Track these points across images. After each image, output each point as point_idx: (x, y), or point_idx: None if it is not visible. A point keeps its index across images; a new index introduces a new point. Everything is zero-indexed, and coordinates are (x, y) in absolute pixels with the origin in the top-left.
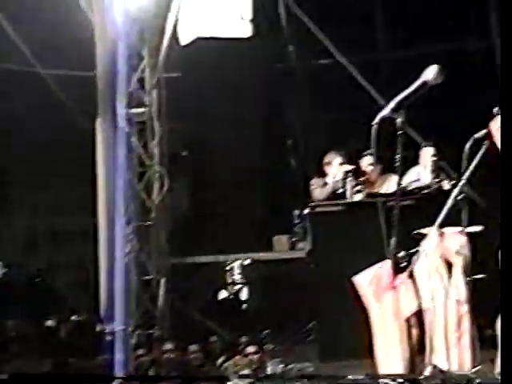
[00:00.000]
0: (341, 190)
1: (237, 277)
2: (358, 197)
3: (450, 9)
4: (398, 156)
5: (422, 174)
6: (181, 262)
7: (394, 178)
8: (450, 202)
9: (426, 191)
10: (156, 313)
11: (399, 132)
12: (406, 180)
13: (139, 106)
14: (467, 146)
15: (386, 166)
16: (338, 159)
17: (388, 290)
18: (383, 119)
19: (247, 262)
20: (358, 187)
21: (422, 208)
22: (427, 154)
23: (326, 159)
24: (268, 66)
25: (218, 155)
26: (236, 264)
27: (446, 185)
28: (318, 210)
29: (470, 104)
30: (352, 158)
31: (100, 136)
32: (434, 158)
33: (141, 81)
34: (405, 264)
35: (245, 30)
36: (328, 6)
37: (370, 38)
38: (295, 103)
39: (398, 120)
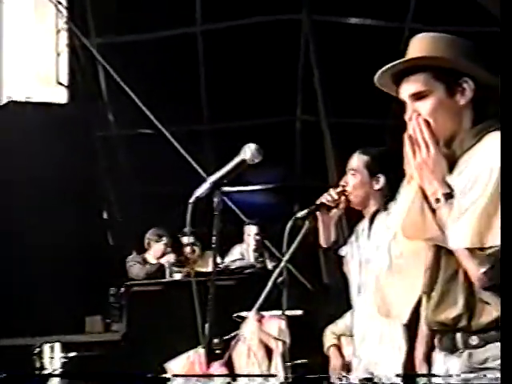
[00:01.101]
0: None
1: (46, 362)
2: (177, 276)
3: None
4: (214, 237)
5: (245, 252)
6: None
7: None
8: (270, 284)
9: (248, 271)
10: None
11: (215, 212)
12: (228, 259)
13: None
14: (288, 225)
15: (208, 244)
16: (157, 235)
17: (200, 379)
18: (199, 198)
19: (57, 344)
20: (178, 266)
21: (243, 289)
22: (251, 232)
23: (146, 235)
24: (86, 134)
25: (25, 229)
26: (45, 347)
27: (269, 265)
28: (134, 289)
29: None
30: (174, 234)
31: None
32: (258, 237)
33: None
34: (221, 350)
35: (61, 96)
36: (151, 80)
37: (193, 110)
38: (114, 175)
39: (215, 200)
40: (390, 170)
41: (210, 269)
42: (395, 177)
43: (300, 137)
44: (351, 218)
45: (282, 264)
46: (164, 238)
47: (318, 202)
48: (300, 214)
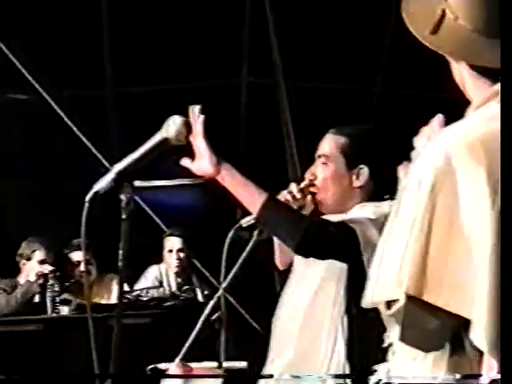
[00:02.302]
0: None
1: None
2: (64, 310)
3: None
4: (120, 253)
5: (164, 277)
6: None
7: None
8: (201, 322)
9: (169, 304)
10: None
11: (123, 216)
12: (139, 286)
13: None
14: (228, 237)
15: (110, 264)
16: (31, 250)
17: None
18: (99, 194)
19: None
20: (65, 295)
21: (162, 330)
22: (173, 246)
23: (22, 251)
24: None
25: None
26: None
27: (200, 295)
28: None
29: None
30: (58, 247)
31: None
32: (182, 255)
33: None
34: None
35: None
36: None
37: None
38: None
39: (122, 198)
40: (376, 159)
41: (113, 300)
42: (384, 168)
43: (246, 106)
44: None
45: (219, 293)
46: (39, 253)
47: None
48: (245, 221)
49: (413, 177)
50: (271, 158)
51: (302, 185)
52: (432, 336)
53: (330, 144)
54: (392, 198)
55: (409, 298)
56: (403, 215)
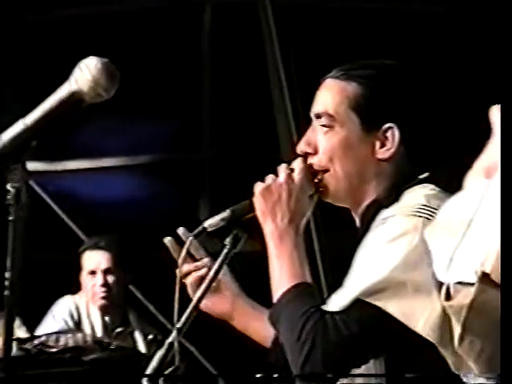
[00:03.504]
0: None
1: None
2: None
3: None
4: (7, 276)
5: (83, 315)
6: None
7: None
8: None
9: (91, 357)
10: None
11: (12, 218)
12: (43, 330)
13: None
14: (184, 247)
15: None
16: None
17: None
18: None
19: None
20: None
21: None
22: (98, 266)
23: None
24: None
25: None
26: None
27: (142, 343)
28: None
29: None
30: None
31: None
32: (111, 278)
33: None
34: None
35: None
36: None
37: None
38: None
39: (8, 187)
40: (411, 113)
41: None
42: (425, 129)
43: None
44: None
45: (172, 338)
46: None
47: (258, 192)
48: (211, 223)
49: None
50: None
51: (297, 164)
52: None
53: (333, 95)
54: (433, 177)
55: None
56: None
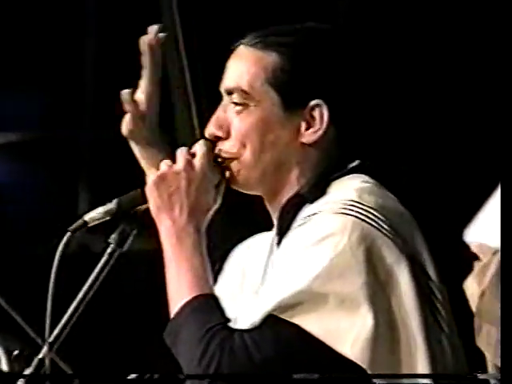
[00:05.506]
0: None
1: None
2: None
3: None
4: None
5: None
6: None
7: None
8: None
9: None
10: None
11: None
12: None
13: None
14: (59, 249)
15: None
16: None
17: None
18: None
19: None
20: None
21: None
22: None
23: None
24: None
25: None
26: None
27: (3, 360)
28: None
29: None
30: None
31: None
32: None
33: None
34: None
35: None
36: None
37: None
38: None
39: None
40: (342, 88)
41: None
42: (357, 106)
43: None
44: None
45: (42, 354)
46: None
47: (152, 181)
48: (93, 216)
49: None
50: None
51: (198, 148)
52: None
53: (247, 67)
54: (366, 166)
55: None
56: None
